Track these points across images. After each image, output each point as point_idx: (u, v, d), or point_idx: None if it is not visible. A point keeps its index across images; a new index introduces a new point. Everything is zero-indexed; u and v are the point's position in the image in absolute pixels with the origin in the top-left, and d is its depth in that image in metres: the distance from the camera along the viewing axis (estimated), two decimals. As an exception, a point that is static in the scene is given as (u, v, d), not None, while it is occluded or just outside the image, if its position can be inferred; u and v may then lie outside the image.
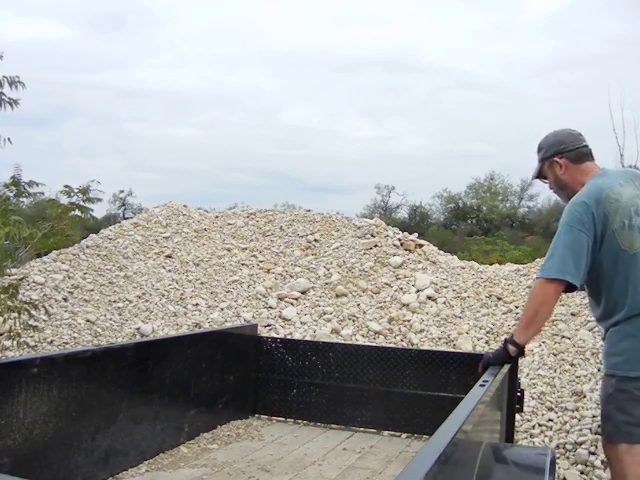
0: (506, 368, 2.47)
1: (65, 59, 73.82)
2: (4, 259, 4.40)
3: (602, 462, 3.39)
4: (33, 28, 68.68)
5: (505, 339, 2.54)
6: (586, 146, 2.66)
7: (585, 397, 3.98)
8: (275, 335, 5.66)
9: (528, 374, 4.55)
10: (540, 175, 2.77)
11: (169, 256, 7.57)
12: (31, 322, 4.69)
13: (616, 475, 2.42)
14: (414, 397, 3.34)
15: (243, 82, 67.71)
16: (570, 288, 2.44)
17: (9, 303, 4.21)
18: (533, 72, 63.63)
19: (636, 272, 2.38)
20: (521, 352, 2.52)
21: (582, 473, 3.36)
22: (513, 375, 2.80)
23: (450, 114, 56.54)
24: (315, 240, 7.87)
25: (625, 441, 2.35)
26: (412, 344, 5.57)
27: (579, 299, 5.53)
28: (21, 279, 5.70)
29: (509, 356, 2.49)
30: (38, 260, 6.85)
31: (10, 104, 4.66)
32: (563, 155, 2.62)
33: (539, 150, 2.75)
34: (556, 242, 2.43)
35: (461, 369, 3.27)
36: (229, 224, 8.62)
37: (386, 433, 3.45)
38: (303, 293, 6.70)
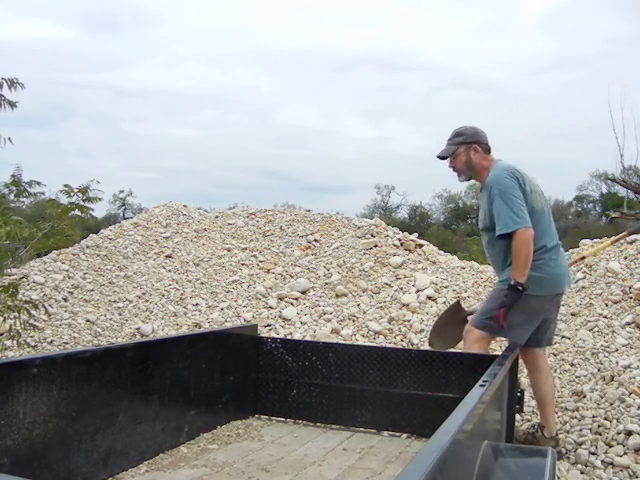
0: (506, 368, 2.47)
1: (62, 59, 74.01)
2: (4, 258, 4.40)
3: (602, 462, 3.39)
4: (31, 28, 68.82)
5: (509, 285, 3.20)
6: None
7: (585, 397, 3.97)
8: (275, 335, 5.65)
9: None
10: (449, 155, 3.48)
11: (169, 256, 7.57)
12: (31, 321, 4.69)
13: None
14: (414, 397, 3.34)
15: (240, 82, 67.84)
16: None
17: (9, 303, 4.21)
18: (530, 71, 63.69)
19: (541, 223, 3.30)
20: (524, 288, 3.18)
21: (582, 473, 3.35)
22: (513, 375, 2.80)
23: (447, 113, 56.62)
24: (315, 240, 7.87)
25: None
26: (412, 344, 5.57)
27: (579, 299, 5.53)
28: (21, 279, 5.70)
29: (519, 294, 3.19)
30: (38, 260, 6.85)
31: (10, 105, 4.65)
32: (480, 144, 3.45)
33: (458, 135, 3.47)
34: (508, 202, 3.19)
35: (461, 369, 3.26)
36: (229, 224, 8.62)
37: (386, 433, 3.44)
38: (303, 293, 6.70)
